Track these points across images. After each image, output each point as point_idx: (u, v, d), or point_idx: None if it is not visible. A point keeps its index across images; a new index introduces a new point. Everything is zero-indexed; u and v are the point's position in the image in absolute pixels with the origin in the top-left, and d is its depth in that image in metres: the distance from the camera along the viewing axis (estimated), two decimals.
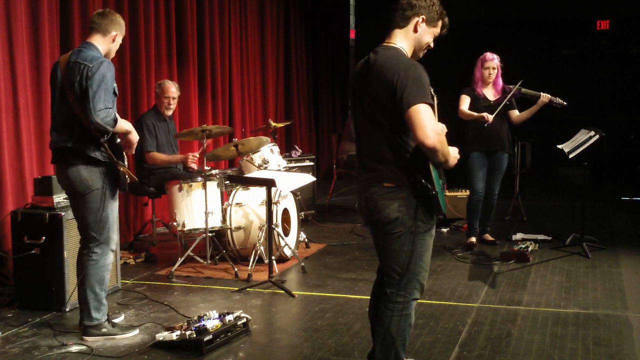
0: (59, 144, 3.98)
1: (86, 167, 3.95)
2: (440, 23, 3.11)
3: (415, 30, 3.06)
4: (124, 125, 4.00)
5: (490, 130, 6.13)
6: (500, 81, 6.26)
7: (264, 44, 9.55)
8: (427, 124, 2.80)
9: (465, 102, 6.18)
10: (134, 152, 4.18)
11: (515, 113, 6.34)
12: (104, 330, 4.06)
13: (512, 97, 6.19)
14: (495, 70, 6.19)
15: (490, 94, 6.26)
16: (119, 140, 4.02)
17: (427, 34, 3.09)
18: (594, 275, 5.44)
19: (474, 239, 6.42)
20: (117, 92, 3.99)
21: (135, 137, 4.08)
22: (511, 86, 6.26)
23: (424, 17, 3.05)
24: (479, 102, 6.19)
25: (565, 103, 6.28)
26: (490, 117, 6.03)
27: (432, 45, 3.14)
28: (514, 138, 7.89)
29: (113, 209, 4.08)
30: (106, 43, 4.04)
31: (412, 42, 3.08)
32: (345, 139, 8.75)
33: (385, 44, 3.08)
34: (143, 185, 6.05)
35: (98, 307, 4.05)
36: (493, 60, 6.17)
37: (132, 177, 4.09)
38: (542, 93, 6.23)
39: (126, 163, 4.07)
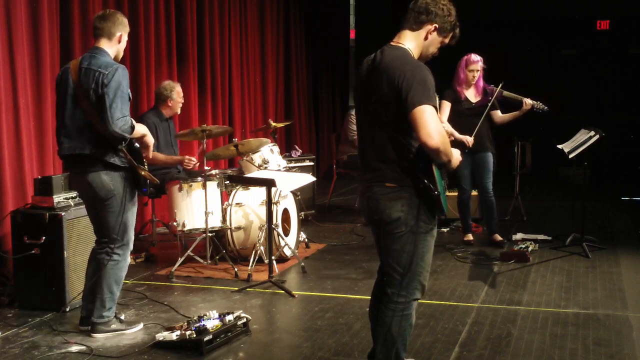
0: (75, 151, 3.97)
1: (106, 172, 3.96)
2: (450, 34, 3.10)
3: (426, 38, 3.06)
4: (139, 129, 4.01)
5: (472, 132, 6.14)
6: (481, 82, 6.26)
7: (264, 44, 9.55)
8: (431, 124, 2.80)
9: (445, 110, 6.16)
10: (150, 155, 4.17)
11: (498, 114, 6.36)
12: (113, 326, 4.10)
13: (495, 99, 6.21)
14: (479, 72, 6.20)
15: (471, 95, 6.26)
16: (137, 144, 4.02)
17: (436, 44, 3.09)
18: (594, 275, 5.44)
19: (470, 236, 6.53)
20: (131, 97, 3.99)
21: (150, 139, 4.11)
22: (492, 86, 6.27)
23: (436, 25, 3.04)
24: (460, 104, 6.19)
25: (546, 108, 6.30)
26: (470, 141, 6.08)
27: (437, 54, 3.15)
28: (513, 138, 7.91)
29: (133, 211, 4.13)
30: (113, 45, 4.03)
31: (420, 48, 3.08)
32: (343, 140, 8.75)
33: (393, 43, 3.08)
34: None
35: (110, 306, 4.10)
36: (478, 63, 6.16)
37: (154, 180, 4.12)
38: (524, 99, 6.26)
39: (146, 166, 4.08)
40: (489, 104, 6.17)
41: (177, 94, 6.20)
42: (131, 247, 4.18)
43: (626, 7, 11.29)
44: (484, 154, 6.28)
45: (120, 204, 4.01)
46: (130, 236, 4.13)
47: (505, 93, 6.28)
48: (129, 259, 4.19)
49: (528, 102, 6.24)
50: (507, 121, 6.38)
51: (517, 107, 6.34)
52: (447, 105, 6.18)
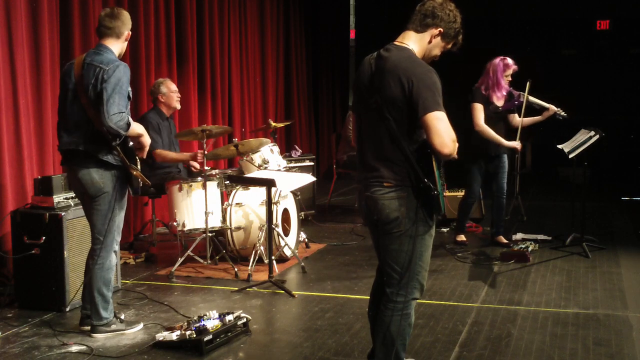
0: (70, 147, 3.97)
1: (97, 169, 3.95)
2: (453, 41, 3.13)
3: (430, 41, 3.08)
4: (137, 128, 4.00)
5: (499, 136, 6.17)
6: (507, 86, 6.24)
7: (264, 44, 9.55)
8: (445, 133, 2.84)
9: (482, 114, 6.09)
10: (145, 156, 4.17)
11: (515, 117, 6.35)
12: (113, 327, 4.10)
13: (521, 104, 6.19)
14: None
15: (496, 98, 6.23)
16: (131, 143, 4.01)
17: (438, 48, 3.11)
18: (594, 275, 5.44)
19: (463, 236, 6.58)
20: (131, 96, 3.98)
21: (147, 140, 4.10)
22: (512, 88, 6.24)
23: (441, 30, 3.06)
24: (488, 108, 6.15)
25: (566, 115, 6.35)
26: (519, 147, 6.22)
27: (437, 58, 3.16)
28: (513, 138, 7.91)
29: (121, 212, 4.10)
30: (120, 44, 4.05)
31: (423, 50, 3.10)
32: (343, 140, 8.76)
33: (398, 42, 3.09)
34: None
35: (106, 307, 4.09)
36: (513, 67, 6.13)
37: (146, 181, 4.10)
38: (549, 105, 6.28)
39: (139, 167, 4.07)
40: (520, 109, 6.18)
41: (166, 88, 6.14)
42: (114, 248, 4.13)
43: (626, 7, 11.30)
44: (501, 156, 6.28)
45: (109, 204, 3.99)
46: (113, 238, 4.08)
47: (531, 99, 6.28)
48: (114, 260, 4.16)
49: (552, 108, 6.30)
50: (526, 125, 6.39)
51: (536, 112, 6.37)
52: (481, 108, 6.11)
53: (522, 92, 6.21)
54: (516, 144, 6.19)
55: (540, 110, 6.35)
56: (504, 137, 6.22)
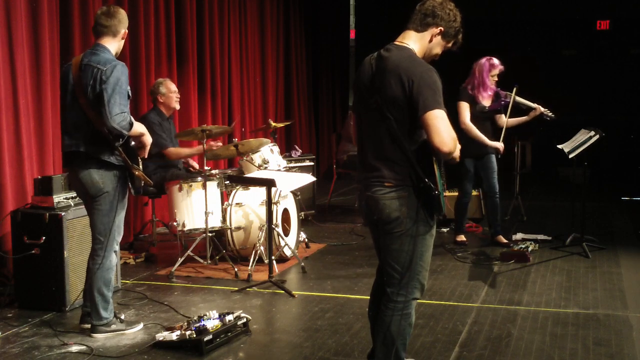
0: (72, 148, 3.97)
1: (98, 170, 3.95)
2: (453, 40, 3.14)
3: (430, 41, 3.09)
4: (138, 127, 3.99)
5: (485, 135, 6.17)
6: (494, 86, 6.25)
7: (264, 44, 9.55)
8: (445, 131, 2.84)
9: (466, 111, 6.12)
10: (146, 155, 4.16)
11: (502, 118, 6.36)
12: (113, 327, 4.10)
13: (507, 104, 6.20)
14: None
15: (484, 98, 6.23)
16: (132, 143, 4.01)
17: (439, 47, 3.12)
18: (594, 275, 5.44)
19: (463, 237, 6.58)
20: (130, 95, 3.97)
21: (148, 139, 4.09)
22: (499, 89, 6.23)
23: (441, 29, 3.07)
24: (475, 108, 6.17)
25: (554, 116, 6.35)
26: (501, 148, 6.17)
27: (437, 57, 3.16)
28: (513, 138, 7.93)
29: (121, 212, 4.09)
30: (116, 42, 4.03)
31: (424, 49, 3.10)
32: (344, 139, 8.76)
33: (398, 42, 3.09)
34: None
35: (106, 307, 4.08)
36: (499, 67, 6.14)
37: (147, 181, 4.10)
38: (536, 105, 6.28)
39: (140, 166, 4.06)
40: (510, 110, 6.19)
41: (166, 88, 6.12)
42: (116, 247, 4.14)
43: (626, 7, 11.31)
44: (488, 156, 6.28)
45: (110, 204, 3.99)
46: (113, 238, 4.08)
47: (518, 99, 6.29)
48: (114, 260, 4.16)
49: (539, 108, 6.32)
50: (511, 126, 6.40)
51: (524, 113, 6.37)
52: (466, 106, 6.13)
53: (508, 92, 6.22)
54: (499, 145, 6.18)
55: (527, 110, 6.36)
56: (490, 137, 6.23)
